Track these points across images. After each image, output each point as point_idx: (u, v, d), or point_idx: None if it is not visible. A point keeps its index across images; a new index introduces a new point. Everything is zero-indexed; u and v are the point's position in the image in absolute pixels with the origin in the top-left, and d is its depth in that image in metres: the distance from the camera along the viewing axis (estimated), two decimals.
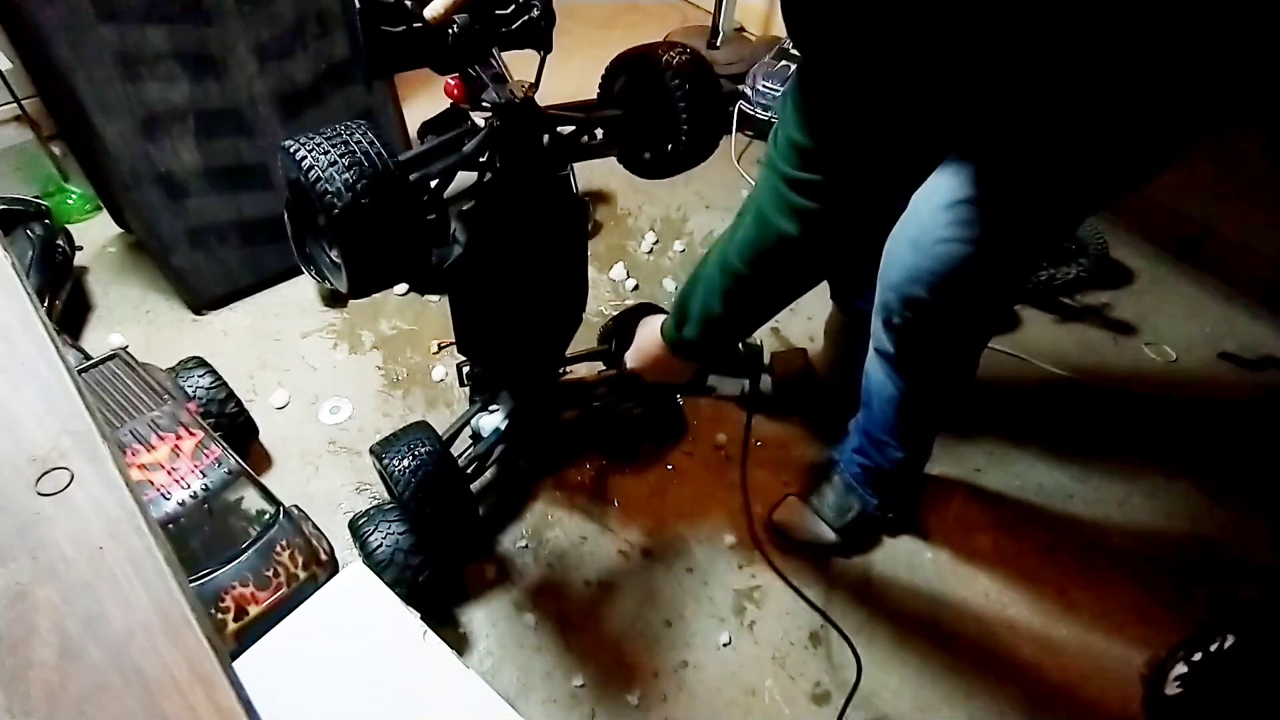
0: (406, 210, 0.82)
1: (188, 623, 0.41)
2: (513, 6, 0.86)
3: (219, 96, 1.52)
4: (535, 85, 0.94)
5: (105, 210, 1.79)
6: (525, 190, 0.99)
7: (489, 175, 0.98)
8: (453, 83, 0.96)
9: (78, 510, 0.45)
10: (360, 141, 0.79)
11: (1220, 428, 1.56)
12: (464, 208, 1.00)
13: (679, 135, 1.04)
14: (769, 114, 2.12)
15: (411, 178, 0.86)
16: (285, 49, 1.56)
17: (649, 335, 1.27)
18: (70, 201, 1.88)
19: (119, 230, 1.84)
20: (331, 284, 0.88)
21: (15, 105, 1.74)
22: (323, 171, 0.76)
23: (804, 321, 1.75)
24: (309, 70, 1.60)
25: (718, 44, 2.45)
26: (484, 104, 0.93)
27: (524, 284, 1.10)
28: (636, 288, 1.82)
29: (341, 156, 0.77)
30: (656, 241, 1.94)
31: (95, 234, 1.85)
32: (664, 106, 1.03)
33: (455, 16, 0.81)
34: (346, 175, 0.76)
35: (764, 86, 2.12)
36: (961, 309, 0.99)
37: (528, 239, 1.04)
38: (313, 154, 0.77)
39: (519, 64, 0.97)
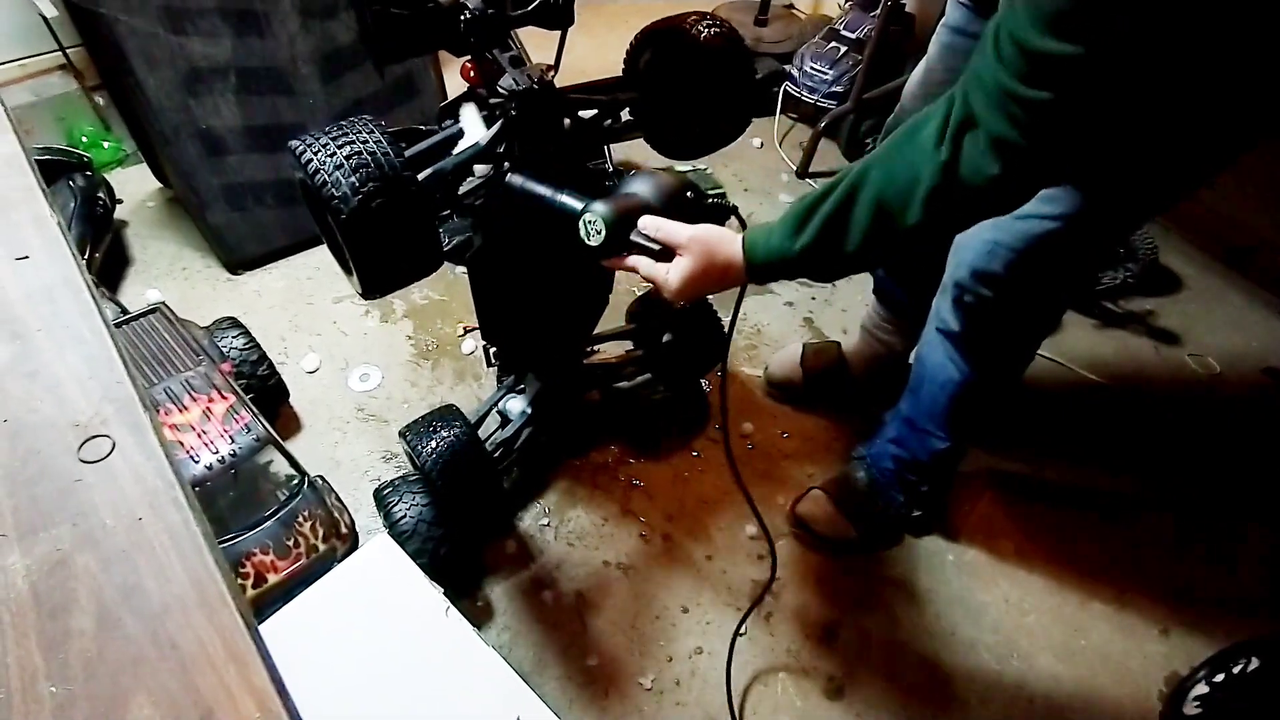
0: (418, 212, 0.78)
1: (223, 599, 0.40)
2: None
3: (261, 54, 1.52)
4: (554, 68, 0.89)
5: (145, 164, 1.80)
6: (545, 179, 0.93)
7: (507, 165, 0.93)
8: (469, 65, 0.92)
9: (118, 479, 0.45)
10: (367, 141, 0.74)
11: (1260, 444, 1.52)
12: (481, 201, 0.95)
13: (707, 114, 1.00)
14: (814, 97, 2.06)
15: (423, 175, 0.82)
16: (328, 8, 1.54)
17: (725, 259, 0.86)
18: (112, 153, 1.89)
19: (158, 185, 1.85)
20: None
21: (60, 54, 1.75)
22: (329, 175, 0.73)
23: (838, 313, 1.72)
24: (351, 31, 1.59)
25: (766, 20, 2.40)
26: (499, 90, 0.88)
27: (546, 273, 1.06)
28: None
29: (348, 158, 0.73)
30: None
31: (135, 187, 1.87)
32: (691, 83, 0.98)
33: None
34: (353, 179, 0.72)
35: (812, 68, 2.06)
36: (1037, 288, 0.96)
37: (549, 228, 0.98)
38: (319, 156, 0.74)
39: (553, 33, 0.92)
